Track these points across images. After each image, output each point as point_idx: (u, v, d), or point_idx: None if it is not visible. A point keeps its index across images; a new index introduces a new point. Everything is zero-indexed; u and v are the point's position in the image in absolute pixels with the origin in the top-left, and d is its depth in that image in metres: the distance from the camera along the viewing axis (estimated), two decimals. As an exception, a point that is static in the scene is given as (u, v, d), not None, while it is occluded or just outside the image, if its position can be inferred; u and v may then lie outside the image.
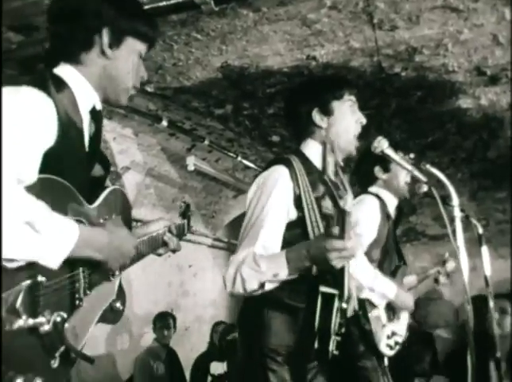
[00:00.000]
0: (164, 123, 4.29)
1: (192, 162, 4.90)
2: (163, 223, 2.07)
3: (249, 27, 3.13)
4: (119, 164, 4.93)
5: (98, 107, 1.70)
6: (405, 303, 3.12)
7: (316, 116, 2.29)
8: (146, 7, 2.71)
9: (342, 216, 1.67)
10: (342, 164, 2.37)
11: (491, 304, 3.02)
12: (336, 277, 1.99)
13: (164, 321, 5.52)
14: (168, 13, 2.84)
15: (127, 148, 4.92)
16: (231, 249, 6.79)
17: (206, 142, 4.78)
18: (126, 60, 1.70)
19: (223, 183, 5.90)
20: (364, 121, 2.33)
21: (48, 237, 1.32)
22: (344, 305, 2.09)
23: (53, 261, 1.35)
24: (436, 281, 3.58)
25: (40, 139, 1.42)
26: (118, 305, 1.77)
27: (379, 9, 2.99)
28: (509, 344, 4.48)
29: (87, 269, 1.55)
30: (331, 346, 2.04)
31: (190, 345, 6.29)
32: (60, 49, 1.65)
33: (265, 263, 1.94)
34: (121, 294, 1.80)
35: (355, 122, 2.32)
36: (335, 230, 1.76)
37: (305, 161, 2.23)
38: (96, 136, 1.70)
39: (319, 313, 1.98)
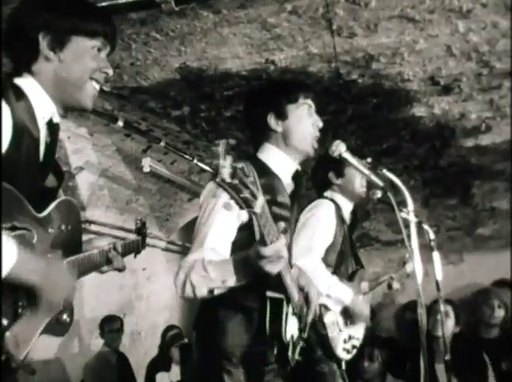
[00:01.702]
0: (120, 124, 4.20)
1: (147, 164, 4.82)
2: (107, 240, 2.07)
3: (208, 29, 3.12)
4: (73, 164, 4.83)
5: (56, 119, 1.68)
6: (361, 310, 3.14)
7: (272, 120, 2.29)
8: (105, 4, 2.67)
9: (256, 218, 1.66)
10: (299, 167, 2.38)
11: (442, 308, 3.10)
12: (281, 281, 2.00)
13: (112, 325, 5.42)
14: (128, 11, 2.80)
15: (82, 148, 4.83)
16: (185, 252, 6.67)
17: (162, 144, 4.71)
18: (77, 60, 1.66)
19: (179, 185, 5.85)
20: (321, 124, 2.35)
21: None
22: (295, 309, 2.12)
23: None
24: (390, 287, 3.63)
25: None
26: (64, 317, 1.71)
27: (338, 16, 3.03)
28: (448, 346, 4.62)
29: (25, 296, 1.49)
30: (292, 353, 2.07)
31: (143, 350, 6.20)
32: (14, 62, 1.64)
33: (213, 269, 1.94)
34: (68, 306, 1.73)
35: (312, 126, 2.33)
36: (261, 235, 1.76)
37: (260, 166, 2.22)
38: (51, 147, 1.68)
39: (268, 318, 2.01)
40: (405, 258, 3.63)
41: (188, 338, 5.94)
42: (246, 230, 2.08)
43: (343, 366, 3.11)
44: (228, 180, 1.42)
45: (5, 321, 1.40)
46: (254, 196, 1.55)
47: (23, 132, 1.49)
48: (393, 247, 6.56)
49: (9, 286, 1.42)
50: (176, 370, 5.74)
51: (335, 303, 3.02)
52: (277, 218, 2.14)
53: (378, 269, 6.32)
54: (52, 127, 1.67)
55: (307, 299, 2.24)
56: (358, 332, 3.21)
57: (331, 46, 3.32)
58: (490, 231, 6.39)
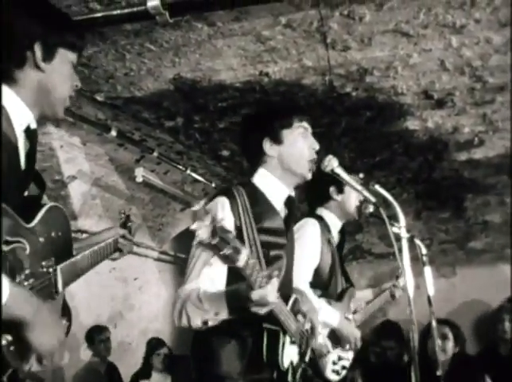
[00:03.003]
0: (113, 133, 4.22)
1: (140, 174, 4.82)
2: (114, 231, 2.20)
3: (203, 40, 3.12)
4: (65, 173, 4.81)
5: (33, 125, 1.70)
6: (348, 332, 3.10)
7: (267, 146, 2.31)
8: (99, 15, 2.67)
9: (240, 271, 1.71)
10: (292, 193, 2.38)
11: (433, 323, 3.09)
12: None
13: (101, 335, 5.39)
14: (122, 22, 2.80)
15: (74, 157, 4.81)
16: (178, 263, 6.71)
17: (155, 154, 4.73)
18: (61, 72, 1.71)
19: (171, 196, 5.84)
20: (317, 147, 2.35)
21: None
22: (293, 339, 2.12)
23: None
24: (393, 296, 3.61)
25: None
26: (64, 322, 1.76)
27: (333, 29, 3.04)
28: (447, 366, 4.60)
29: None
30: (293, 377, 2.07)
31: (134, 360, 6.15)
32: None
33: (207, 301, 1.96)
34: (66, 311, 1.78)
35: (308, 149, 2.33)
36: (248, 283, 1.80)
37: (254, 192, 2.24)
38: (31, 154, 1.69)
39: (265, 348, 2.05)
40: (398, 272, 3.61)
41: (170, 348, 5.93)
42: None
43: None
44: (207, 241, 1.46)
45: (9, 338, 1.40)
46: (237, 251, 1.59)
47: (1, 142, 1.49)
48: (386, 259, 6.56)
49: None
50: (156, 378, 5.72)
51: (323, 326, 3.00)
52: (272, 246, 2.16)
53: (370, 282, 6.32)
54: (30, 134, 1.68)
55: (311, 327, 2.25)
56: (348, 353, 3.18)
57: (325, 59, 3.33)
58: (483, 244, 6.40)
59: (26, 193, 1.68)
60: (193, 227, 1.42)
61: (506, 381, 4.44)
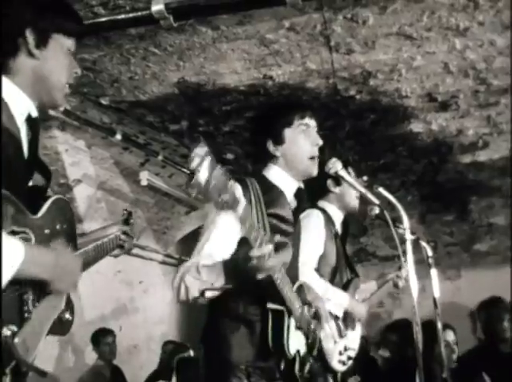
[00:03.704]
0: (118, 137, 4.23)
1: (145, 177, 4.84)
2: (117, 227, 2.20)
3: (207, 44, 3.14)
4: (71, 176, 4.83)
5: (34, 114, 1.67)
6: (358, 311, 3.16)
7: (270, 146, 2.33)
8: (104, 19, 2.69)
9: (239, 222, 1.68)
10: (302, 185, 2.39)
11: (439, 325, 3.08)
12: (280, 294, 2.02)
13: (106, 338, 5.39)
14: (127, 26, 2.82)
15: (79, 160, 4.83)
16: (182, 266, 6.71)
17: (160, 157, 4.74)
18: (56, 58, 1.67)
19: (176, 199, 5.85)
20: (320, 142, 2.36)
21: None
22: (298, 323, 2.12)
23: None
24: (396, 286, 3.62)
25: None
26: (67, 316, 1.74)
27: (336, 32, 3.05)
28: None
29: (32, 288, 1.51)
30: (300, 369, 2.07)
31: (139, 363, 6.15)
32: None
33: (205, 271, 1.97)
34: (69, 304, 1.76)
35: (310, 146, 2.33)
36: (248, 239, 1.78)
37: (265, 182, 2.26)
38: (34, 144, 1.67)
39: (270, 330, 2.04)
40: (401, 263, 3.62)
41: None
42: (245, 244, 2.09)
43: (339, 378, 3.10)
44: (203, 183, 1.40)
45: (14, 328, 1.41)
46: (235, 200, 1.56)
47: (3, 133, 1.47)
48: (391, 262, 6.54)
49: (15, 289, 1.44)
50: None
51: (336, 307, 3.02)
52: (279, 232, 2.17)
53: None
54: (32, 122, 1.65)
55: (316, 314, 2.25)
56: (354, 343, 3.20)
57: (329, 62, 3.34)
58: (488, 246, 6.38)
59: (31, 183, 1.67)
60: (191, 166, 1.38)
61: (506, 380, 4.43)
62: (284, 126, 2.32)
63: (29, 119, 1.64)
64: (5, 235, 1.34)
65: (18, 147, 1.57)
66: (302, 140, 2.32)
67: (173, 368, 5.64)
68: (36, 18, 1.61)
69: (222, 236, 2.09)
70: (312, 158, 2.33)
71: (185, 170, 5.07)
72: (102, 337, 5.36)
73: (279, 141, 2.32)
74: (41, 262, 1.47)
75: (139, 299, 6.46)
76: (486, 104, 3.90)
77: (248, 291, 1.99)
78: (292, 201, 2.35)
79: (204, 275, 1.96)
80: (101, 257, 2.06)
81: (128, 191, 5.52)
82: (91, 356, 5.51)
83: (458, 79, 3.58)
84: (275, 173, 2.33)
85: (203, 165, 1.39)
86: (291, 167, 2.33)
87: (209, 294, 1.97)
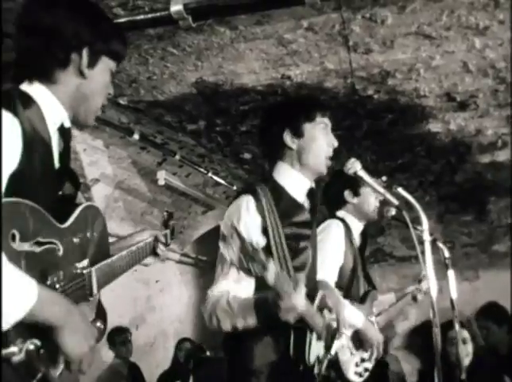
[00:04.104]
0: (136, 136, 4.26)
1: (162, 177, 4.86)
2: (148, 233, 2.10)
3: (225, 44, 3.14)
4: (89, 176, 4.87)
5: (67, 124, 1.67)
6: (372, 335, 3.07)
7: (287, 138, 2.30)
8: (123, 20, 2.70)
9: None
10: (313, 185, 2.38)
11: (457, 326, 3.06)
12: None
13: (122, 336, 5.42)
14: (145, 27, 2.83)
15: (97, 160, 4.87)
16: (199, 265, 6.75)
17: (177, 157, 4.76)
18: (101, 79, 1.69)
19: (193, 198, 5.87)
20: (336, 144, 2.35)
21: (4, 298, 1.24)
22: (320, 335, 2.12)
23: (4, 324, 1.26)
24: (415, 299, 3.59)
25: (5, 164, 1.37)
26: (98, 324, 1.71)
27: (355, 32, 3.04)
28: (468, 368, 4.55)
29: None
30: (318, 369, 2.08)
31: (155, 362, 6.19)
32: (33, 65, 1.61)
33: (237, 307, 1.99)
34: (101, 313, 1.74)
35: (327, 145, 2.32)
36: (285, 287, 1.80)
37: (276, 189, 2.24)
38: (65, 153, 1.66)
39: (292, 346, 2.05)
40: (421, 275, 3.59)
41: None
42: (266, 253, 2.09)
43: None
44: (234, 261, 1.46)
45: (37, 342, 1.36)
46: (264, 268, 1.63)
47: (36, 142, 1.47)
48: (408, 262, 6.51)
49: None
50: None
51: (347, 327, 2.98)
52: (299, 237, 2.16)
53: (392, 285, 6.27)
54: (64, 132, 1.65)
55: (337, 320, 2.25)
56: (371, 355, 3.16)
57: (347, 62, 3.33)
58: (506, 247, 6.31)
59: (61, 193, 1.65)
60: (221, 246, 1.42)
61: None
62: (305, 120, 2.30)
63: (62, 129, 1.64)
64: (19, 274, 1.30)
65: (49, 155, 1.56)
66: (321, 137, 2.31)
67: (190, 370, 5.67)
68: (95, 39, 1.63)
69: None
70: (326, 158, 2.32)
71: (202, 170, 5.09)
72: (117, 336, 5.39)
73: (298, 134, 2.29)
74: (54, 308, 1.39)
75: (155, 298, 6.49)
76: (506, 104, 3.86)
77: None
78: (305, 202, 2.34)
79: (235, 310, 1.98)
80: (135, 263, 1.99)
81: (145, 190, 5.55)
82: (108, 355, 5.55)
83: (477, 79, 3.55)
84: (286, 175, 2.30)
85: (233, 244, 1.44)
86: (304, 163, 2.30)
87: (240, 328, 1.99)
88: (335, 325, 2.28)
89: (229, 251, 2.03)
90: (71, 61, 1.61)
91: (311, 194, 2.36)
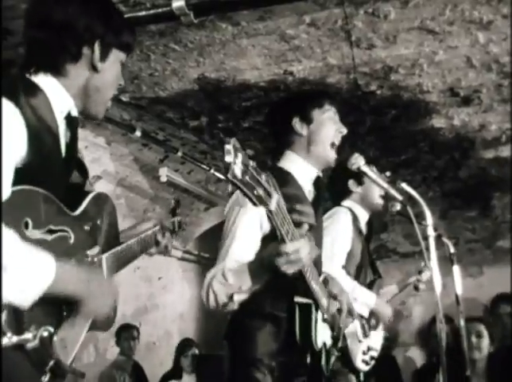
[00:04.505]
0: (138, 133, 4.25)
1: (164, 173, 4.85)
2: (153, 222, 2.13)
3: (227, 40, 3.13)
4: (90, 173, 4.84)
5: (74, 113, 1.67)
6: (384, 311, 3.15)
7: (297, 124, 2.31)
8: (125, 16, 2.68)
9: (271, 217, 1.61)
10: (320, 174, 2.37)
11: (462, 322, 3.05)
12: (308, 287, 2.01)
13: (128, 333, 5.43)
14: (147, 23, 2.82)
15: (99, 157, 4.86)
16: (201, 262, 6.74)
17: (179, 154, 4.75)
18: (112, 72, 1.70)
19: (195, 195, 5.86)
20: (345, 131, 2.35)
21: (22, 277, 1.26)
22: (325, 316, 2.11)
23: (25, 302, 1.28)
24: (416, 288, 3.62)
25: (10, 153, 1.37)
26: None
27: (357, 27, 3.02)
28: (484, 365, 4.54)
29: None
30: (326, 362, 2.07)
31: (158, 360, 6.19)
32: (43, 57, 1.60)
33: (231, 275, 1.96)
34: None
35: (335, 131, 2.33)
36: (279, 234, 1.71)
37: (281, 174, 2.22)
38: (72, 142, 1.66)
39: (298, 324, 2.03)
40: (421, 266, 3.61)
41: (200, 349, 5.96)
42: (269, 241, 2.07)
43: (362, 378, 3.10)
44: (239, 176, 1.36)
45: (51, 329, 1.39)
46: (269, 194, 1.52)
47: (42, 129, 1.47)
48: (411, 259, 6.50)
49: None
50: (187, 379, 5.75)
51: (362, 306, 3.02)
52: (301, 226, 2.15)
53: (395, 281, 6.26)
54: (71, 121, 1.65)
55: (340, 308, 2.24)
56: (377, 343, 3.19)
57: (349, 57, 3.31)
58: (510, 243, 6.30)
59: (70, 181, 1.65)
60: (227, 159, 1.35)
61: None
62: (314, 106, 2.32)
63: (69, 117, 1.64)
64: (36, 252, 1.32)
65: (57, 144, 1.56)
66: (330, 124, 2.32)
67: (182, 367, 5.70)
68: (106, 32, 1.64)
69: (245, 239, 2.09)
70: (333, 145, 2.32)
71: (204, 167, 5.08)
72: (123, 333, 5.40)
73: (307, 120, 2.31)
74: (73, 279, 1.44)
75: (158, 296, 6.49)
76: (510, 99, 3.84)
77: (275, 287, 1.96)
78: (311, 191, 2.33)
79: (231, 279, 1.95)
80: (144, 251, 2.02)
81: (147, 187, 5.55)
82: (112, 352, 5.56)
83: (481, 74, 3.53)
84: (293, 163, 2.30)
85: (237, 160, 1.36)
86: (312, 150, 2.30)
87: (237, 298, 1.95)
88: (340, 313, 2.27)
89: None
90: (83, 55, 1.62)
91: (317, 183, 2.35)
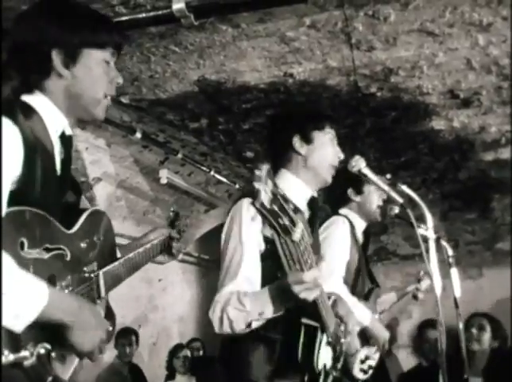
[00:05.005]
0: (138, 135, 4.24)
1: (165, 175, 4.85)
2: (159, 232, 2.12)
3: (227, 42, 3.13)
4: (91, 175, 4.86)
5: (68, 132, 1.65)
6: (380, 334, 3.09)
7: (297, 143, 2.31)
8: (125, 18, 2.69)
9: (294, 246, 1.62)
10: (315, 194, 2.37)
11: (460, 325, 3.05)
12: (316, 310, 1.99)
13: (125, 339, 5.41)
14: (148, 25, 2.82)
15: (99, 159, 4.86)
16: (202, 264, 6.74)
17: (179, 156, 4.75)
18: (89, 73, 1.62)
19: (195, 197, 5.86)
20: (342, 156, 2.37)
21: (15, 301, 1.26)
22: (329, 339, 2.10)
23: (17, 327, 1.28)
24: (415, 297, 3.61)
25: (7, 172, 1.36)
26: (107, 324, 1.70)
27: (357, 29, 3.02)
28: (486, 359, 4.54)
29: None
30: (323, 380, 2.06)
31: (158, 361, 6.18)
32: (22, 80, 1.57)
33: (249, 302, 1.92)
34: (109, 315, 1.75)
35: (333, 155, 2.34)
36: (299, 262, 1.73)
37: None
38: (67, 161, 1.65)
39: (301, 346, 2.00)
40: (420, 275, 3.61)
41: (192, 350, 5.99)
42: (265, 259, 2.07)
43: None
44: (267, 205, 1.37)
45: (48, 346, 1.38)
46: (293, 223, 1.52)
47: (37, 149, 1.46)
48: (411, 261, 6.50)
49: None
50: (181, 380, 5.78)
51: (355, 326, 3.00)
52: None
53: (395, 283, 6.26)
54: (66, 140, 1.64)
55: (345, 329, 2.23)
56: (376, 353, 3.17)
57: (349, 60, 3.32)
58: (510, 245, 6.30)
59: (64, 200, 1.65)
60: (257, 186, 1.34)
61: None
62: (315, 127, 2.33)
63: (63, 137, 1.63)
64: (30, 278, 1.32)
65: (52, 163, 1.56)
66: (329, 147, 2.33)
67: (175, 369, 5.74)
68: (62, 37, 1.56)
69: (254, 258, 2.06)
70: (332, 166, 2.33)
71: (204, 168, 5.08)
72: (120, 338, 5.38)
73: (307, 140, 2.31)
74: (65, 307, 1.41)
75: (158, 297, 6.49)
76: (510, 101, 3.84)
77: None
78: (305, 211, 2.33)
79: (249, 306, 1.91)
80: (143, 264, 2.00)
81: (147, 189, 5.54)
82: (109, 355, 5.54)
83: (480, 76, 3.53)
84: (288, 183, 2.28)
85: (267, 188, 1.36)
86: (310, 170, 2.30)
87: (255, 325, 1.93)
88: (343, 335, 2.26)
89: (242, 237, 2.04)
90: (50, 67, 1.57)
91: (311, 203, 2.35)
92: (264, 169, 1.35)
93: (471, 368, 4.08)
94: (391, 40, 3.12)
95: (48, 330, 1.38)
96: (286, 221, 1.47)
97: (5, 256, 1.26)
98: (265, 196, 1.36)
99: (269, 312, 1.90)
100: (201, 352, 5.92)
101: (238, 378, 2.08)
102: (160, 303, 6.53)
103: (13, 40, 1.59)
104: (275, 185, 1.40)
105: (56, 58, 1.56)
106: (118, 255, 1.92)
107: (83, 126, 4.36)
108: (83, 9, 1.70)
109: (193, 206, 6.18)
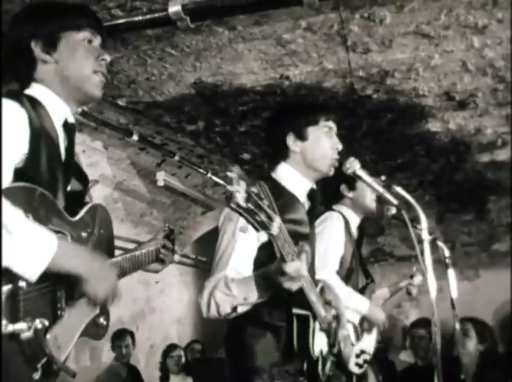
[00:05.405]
0: (135, 137, 4.24)
1: (162, 177, 4.85)
2: (155, 241, 2.17)
3: (224, 45, 3.14)
4: (88, 177, 4.86)
5: (71, 120, 1.71)
6: (377, 317, 3.15)
7: (290, 141, 2.31)
8: (121, 21, 2.70)
9: (273, 240, 1.68)
10: (315, 186, 2.38)
11: (457, 326, 3.06)
12: (306, 299, 2.02)
13: (121, 340, 5.40)
14: (144, 27, 2.83)
15: (96, 161, 4.86)
16: (199, 266, 6.74)
17: (176, 158, 4.75)
18: (71, 54, 1.69)
19: (192, 199, 5.86)
20: (340, 147, 2.36)
21: (27, 248, 1.31)
22: (322, 325, 2.12)
23: (31, 273, 1.33)
24: (409, 293, 3.62)
25: (12, 149, 1.42)
26: (101, 320, 1.75)
27: (353, 32, 3.03)
28: (474, 366, 4.51)
29: (65, 287, 1.51)
30: (322, 368, 2.07)
31: (155, 363, 6.18)
32: (17, 77, 1.68)
33: (236, 286, 1.96)
34: (105, 310, 1.77)
35: (331, 148, 2.34)
36: (280, 254, 1.77)
37: (275, 186, 2.22)
38: (70, 148, 1.70)
39: (296, 335, 2.04)
40: (413, 271, 3.62)
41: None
42: (266, 249, 2.08)
43: (354, 381, 3.10)
44: (242, 204, 1.42)
45: (46, 322, 1.41)
46: (270, 219, 1.56)
47: (43, 135, 1.53)
48: (408, 262, 6.49)
49: (49, 284, 1.45)
50: (175, 380, 5.81)
51: (353, 313, 3.02)
52: (296, 236, 2.15)
53: (392, 284, 6.27)
54: (68, 128, 1.70)
55: (336, 315, 2.25)
56: (370, 346, 3.19)
57: (345, 62, 3.33)
58: (507, 246, 6.31)
59: (69, 188, 1.69)
60: (230, 189, 1.40)
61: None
62: (309, 123, 2.33)
63: (66, 125, 1.69)
64: (38, 227, 1.37)
65: (57, 150, 1.62)
66: (325, 141, 2.33)
67: (168, 369, 5.75)
68: (37, 28, 1.67)
69: (245, 252, 2.09)
70: (331, 160, 2.33)
71: (201, 171, 5.09)
72: (117, 339, 5.37)
73: (301, 137, 2.31)
74: (76, 256, 1.47)
75: (155, 299, 6.49)
76: (505, 103, 3.86)
77: (273, 298, 1.97)
78: (305, 202, 2.35)
79: (235, 290, 1.95)
80: (138, 268, 2.03)
81: (145, 191, 5.54)
82: (107, 356, 5.54)
83: (476, 78, 3.55)
84: (286, 174, 2.31)
85: (240, 187, 1.41)
86: (308, 166, 2.32)
87: (241, 309, 1.97)
88: (335, 321, 2.29)
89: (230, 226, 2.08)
90: (34, 58, 1.66)
91: (311, 195, 2.36)
92: (234, 171, 1.39)
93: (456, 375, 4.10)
94: (387, 42, 3.13)
95: (62, 282, 1.44)
96: (263, 217, 1.52)
97: (15, 209, 1.31)
98: (239, 196, 1.40)
99: (253, 297, 1.94)
100: (181, 353, 5.91)
101: (244, 363, 2.10)
102: (157, 305, 6.53)
103: (4, 42, 1.69)
104: (248, 184, 1.44)
105: (36, 48, 1.66)
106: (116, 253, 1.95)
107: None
108: (56, 2, 1.81)
109: (190, 208, 6.18)
